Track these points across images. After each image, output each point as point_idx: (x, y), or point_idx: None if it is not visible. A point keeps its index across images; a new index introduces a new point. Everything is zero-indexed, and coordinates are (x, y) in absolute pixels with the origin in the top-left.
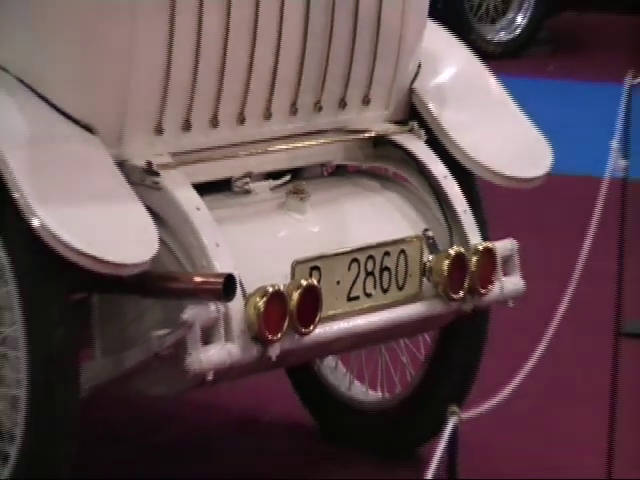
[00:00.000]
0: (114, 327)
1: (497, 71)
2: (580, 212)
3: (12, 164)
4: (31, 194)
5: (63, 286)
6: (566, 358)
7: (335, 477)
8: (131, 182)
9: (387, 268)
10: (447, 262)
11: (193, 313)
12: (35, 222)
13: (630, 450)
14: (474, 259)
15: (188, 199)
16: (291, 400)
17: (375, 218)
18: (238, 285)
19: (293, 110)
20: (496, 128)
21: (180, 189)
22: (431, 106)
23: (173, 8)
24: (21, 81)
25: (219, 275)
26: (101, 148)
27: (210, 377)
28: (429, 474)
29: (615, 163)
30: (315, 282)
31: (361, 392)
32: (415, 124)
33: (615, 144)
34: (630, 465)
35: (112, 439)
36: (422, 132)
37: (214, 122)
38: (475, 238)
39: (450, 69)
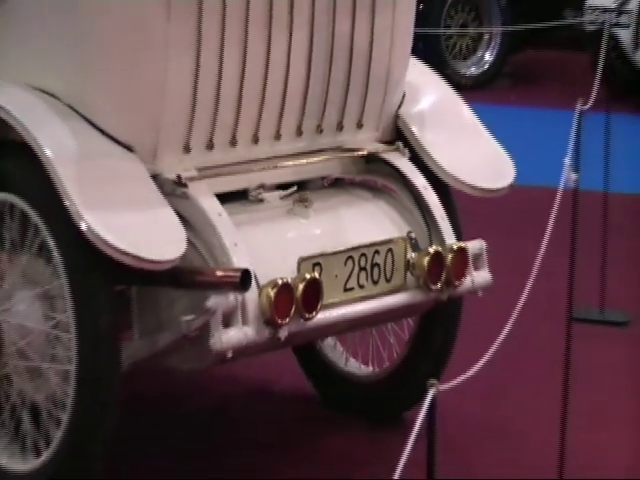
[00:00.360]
0: (150, 313)
1: (469, 100)
2: (538, 217)
3: (63, 177)
4: (79, 202)
5: (107, 279)
6: (527, 339)
7: (333, 439)
8: (164, 192)
9: (377, 264)
10: (427, 259)
11: (215, 301)
12: (83, 226)
13: (580, 416)
14: (449, 256)
15: (211, 206)
16: (297, 374)
17: (367, 222)
18: (253, 278)
19: (299, 132)
20: (468, 147)
21: (204, 198)
22: (414, 129)
23: (199, 48)
24: (71, 108)
25: (237, 270)
26: (138, 164)
27: (230, 355)
28: (412, 436)
29: (568, 176)
30: (317, 276)
31: (355, 367)
32: (400, 144)
33: (567, 160)
34: (580, 428)
35: (148, 406)
36: (406, 151)
37: (233, 142)
38: (450, 239)
39: (429, 98)
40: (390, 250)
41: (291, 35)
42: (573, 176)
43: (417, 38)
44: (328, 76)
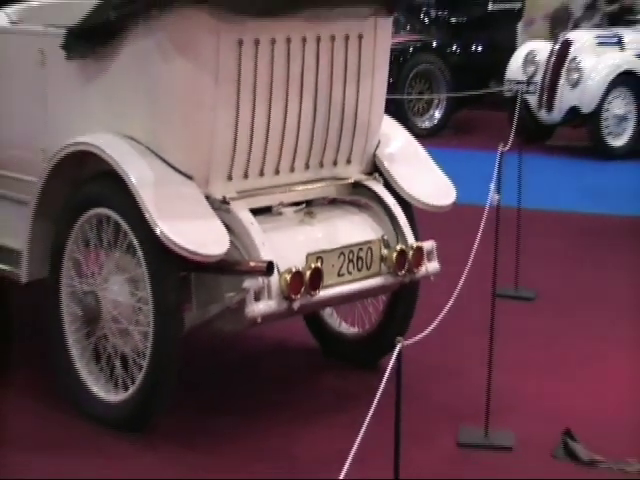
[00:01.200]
0: (203, 291)
1: (423, 144)
2: (473, 225)
3: (144, 197)
4: (155, 215)
5: (174, 268)
6: (464, 310)
7: (329, 378)
8: (213, 208)
9: (360, 257)
10: (395, 254)
11: (249, 283)
12: (158, 231)
13: (501, 362)
14: (410, 252)
15: (246, 218)
16: (305, 333)
17: (354, 228)
18: (275, 267)
19: (307, 167)
20: (423, 176)
21: (242, 212)
22: (386, 164)
23: (237, 109)
24: (148, 148)
25: (264, 261)
26: (196, 188)
27: (259, 320)
28: (385, 376)
29: (492, 197)
30: (319, 265)
31: (345, 328)
32: (377, 174)
33: (492, 186)
34: (501, 370)
35: (196, 357)
36: (381, 179)
37: (261, 173)
38: (411, 240)
39: (396, 143)
40: (370, 248)
41: (301, 99)
42: (496, 197)
43: (388, 101)
44: (327, 128)
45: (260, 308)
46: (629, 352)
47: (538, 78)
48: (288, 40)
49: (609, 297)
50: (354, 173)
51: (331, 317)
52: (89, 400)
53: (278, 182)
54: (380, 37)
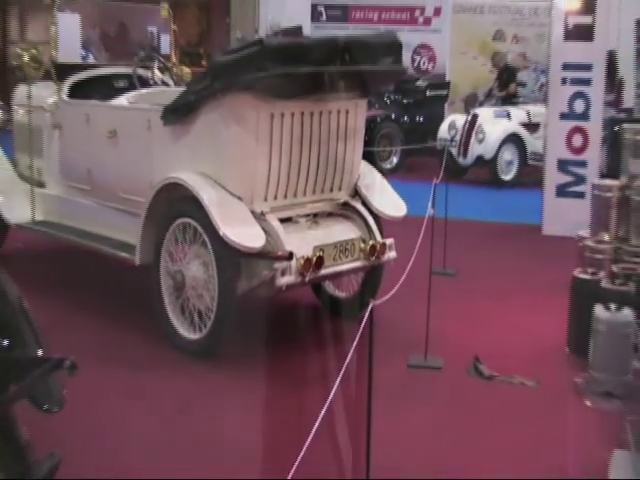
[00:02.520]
0: (249, 270)
1: (387, 178)
2: (416, 229)
3: (213, 212)
4: (220, 222)
5: (231, 255)
6: (411, 282)
7: (328, 324)
8: (255, 218)
9: (347, 249)
10: (368, 247)
11: (278, 265)
12: (221, 232)
13: (436, 311)
14: (378, 246)
15: (276, 224)
16: (312, 296)
17: (343, 231)
18: (294, 255)
19: (313, 192)
20: (385, 198)
21: (273, 221)
22: (363, 190)
23: (270, 157)
24: (215, 181)
25: (287, 251)
26: (244, 206)
27: (284, 288)
28: (362, 324)
29: (429, 211)
30: (321, 254)
31: (338, 293)
32: (357, 197)
33: (430, 204)
34: (435, 317)
35: (245, 311)
36: (360, 200)
37: (285, 196)
38: (379, 238)
39: (369, 177)
40: (353, 243)
41: (310, 151)
42: (431, 211)
43: (364, 152)
44: (326, 168)
45: (284, 280)
46: (522, 307)
47: (457, 137)
48: (302, 113)
49: (507, 273)
50: (343, 196)
51: (329, 286)
52: (177, 338)
53: (296, 202)
54: (359, 111)
